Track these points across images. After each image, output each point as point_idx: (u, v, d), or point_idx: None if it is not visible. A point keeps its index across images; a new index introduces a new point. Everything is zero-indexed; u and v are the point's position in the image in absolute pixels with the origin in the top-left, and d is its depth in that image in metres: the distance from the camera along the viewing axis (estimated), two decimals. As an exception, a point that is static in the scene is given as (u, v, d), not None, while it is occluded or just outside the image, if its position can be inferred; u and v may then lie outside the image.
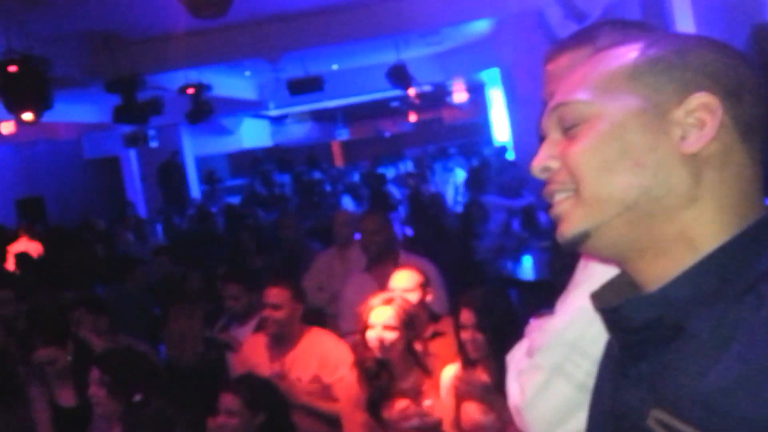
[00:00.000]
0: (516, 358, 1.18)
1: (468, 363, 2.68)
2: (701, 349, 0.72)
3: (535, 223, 6.64)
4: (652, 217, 0.78)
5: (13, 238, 8.15)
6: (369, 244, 4.08)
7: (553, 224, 0.85)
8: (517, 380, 1.12)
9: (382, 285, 3.46)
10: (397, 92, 12.01)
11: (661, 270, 0.79)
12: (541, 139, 0.87)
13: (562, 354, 1.05)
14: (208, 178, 14.57)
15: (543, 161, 0.84)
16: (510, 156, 11.15)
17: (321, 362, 3.23)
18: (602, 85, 0.81)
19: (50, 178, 11.88)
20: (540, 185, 0.86)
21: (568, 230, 0.81)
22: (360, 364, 2.93)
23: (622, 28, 1.16)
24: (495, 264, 6.11)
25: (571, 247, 0.83)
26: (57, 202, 11.65)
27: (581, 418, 0.94)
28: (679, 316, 0.75)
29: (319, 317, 4.14)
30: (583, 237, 0.80)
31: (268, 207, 11.42)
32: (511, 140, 11.72)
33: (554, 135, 0.85)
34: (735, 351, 0.69)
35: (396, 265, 3.72)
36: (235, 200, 12.91)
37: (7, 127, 9.61)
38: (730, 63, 0.78)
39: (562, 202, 0.82)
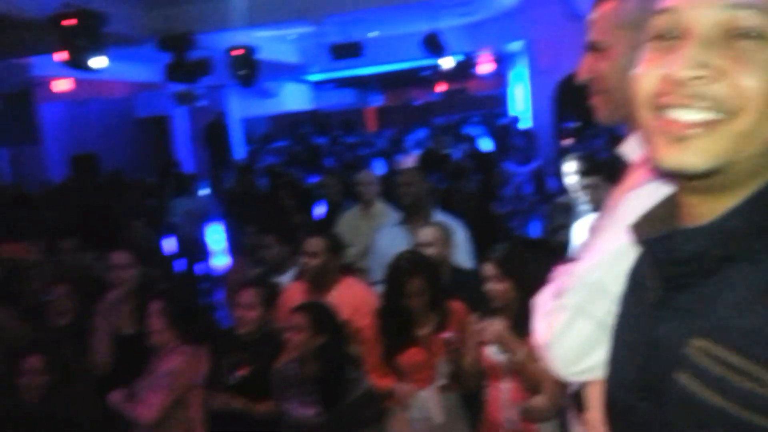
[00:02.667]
0: (542, 301, 1.19)
1: (489, 312, 2.73)
2: (748, 281, 0.69)
3: (543, 187, 6.71)
4: None
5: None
6: (403, 196, 4.02)
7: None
8: (545, 320, 1.14)
9: (413, 238, 3.54)
10: (427, 62, 11.78)
11: (720, 205, 0.73)
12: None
13: (585, 294, 1.06)
14: (263, 138, 14.29)
15: (696, 69, 0.68)
16: (523, 125, 11.12)
17: (353, 308, 3.23)
18: None
19: (103, 135, 11.64)
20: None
21: (699, 160, 0.70)
22: (380, 316, 3.03)
23: None
24: (510, 224, 6.24)
25: (680, 174, 0.73)
26: (109, 159, 11.43)
27: (600, 353, 0.97)
28: (728, 249, 0.71)
29: (348, 271, 4.06)
30: (712, 170, 0.71)
31: (306, 168, 11.24)
32: (530, 111, 11.65)
33: (714, 38, 0.69)
34: None
35: (427, 220, 3.76)
36: (276, 161, 12.67)
37: (64, 85, 9.36)
38: None
39: (697, 124, 0.69)
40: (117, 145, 11.84)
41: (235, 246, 5.87)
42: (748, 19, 0.68)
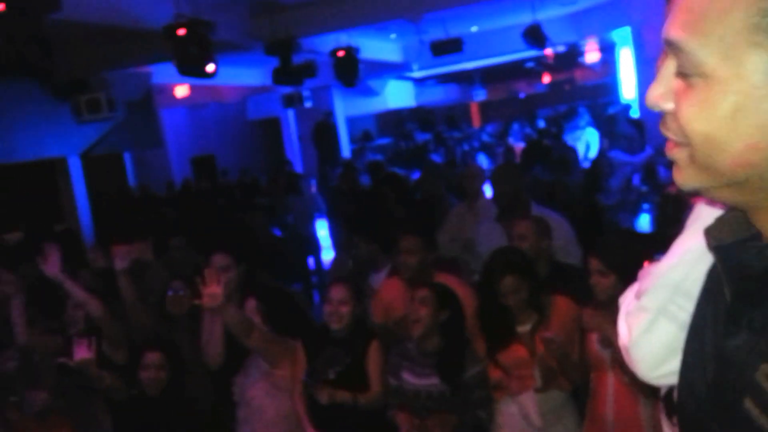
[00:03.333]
0: (626, 300, 1.13)
1: (594, 306, 2.64)
2: None
3: (655, 178, 6.38)
4: (765, 190, 0.67)
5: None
6: (497, 195, 3.96)
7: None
8: (625, 321, 1.09)
9: (510, 234, 3.49)
10: (531, 53, 11.40)
11: None
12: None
13: (666, 295, 1.00)
14: (363, 136, 14.45)
15: (656, 99, 0.70)
16: (634, 114, 10.56)
17: None
18: (725, 39, 0.62)
19: (219, 137, 12.15)
20: (662, 142, 0.73)
21: (681, 181, 0.72)
22: (480, 313, 3.01)
23: None
24: (617, 217, 5.98)
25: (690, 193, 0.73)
26: (225, 159, 11.92)
27: None
28: None
29: (453, 265, 4.10)
30: (697, 191, 0.72)
31: (410, 164, 11.23)
32: (638, 99, 11.12)
33: (669, 68, 0.69)
34: None
35: (525, 215, 3.68)
36: (379, 158, 12.76)
37: (182, 91, 9.82)
38: None
39: (675, 149, 0.71)
40: (232, 147, 12.33)
41: (337, 242, 5.95)
42: (685, 59, 0.65)
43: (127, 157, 9.56)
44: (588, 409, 2.77)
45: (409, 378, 2.99)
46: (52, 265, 3.41)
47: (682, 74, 0.67)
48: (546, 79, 19.85)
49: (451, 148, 12.55)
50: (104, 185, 8.27)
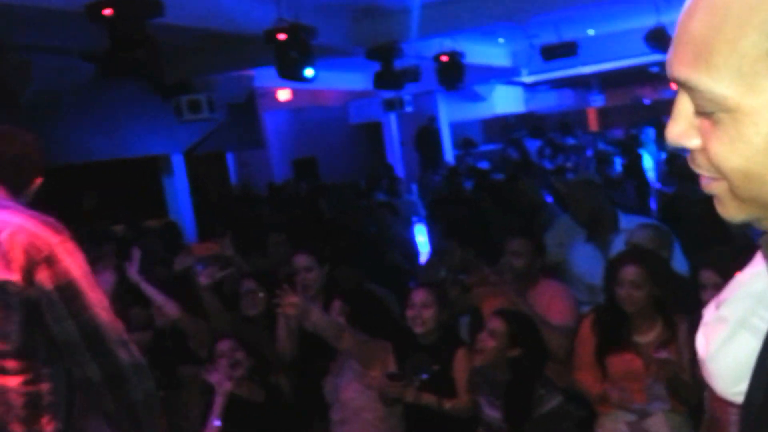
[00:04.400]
0: (708, 310, 1.09)
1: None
2: None
3: None
4: None
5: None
6: (576, 211, 3.94)
7: None
8: (703, 332, 1.05)
9: (602, 253, 3.57)
10: (656, 57, 10.87)
11: None
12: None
13: (747, 307, 0.97)
14: (464, 143, 14.41)
15: (678, 138, 0.67)
16: None
17: (548, 308, 3.30)
18: (742, 69, 0.59)
19: (321, 140, 12.52)
20: None
21: (727, 216, 0.69)
22: (597, 312, 2.96)
23: None
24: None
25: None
26: (327, 163, 12.25)
27: None
28: None
29: (557, 271, 4.09)
30: (747, 223, 0.68)
31: (516, 171, 11.07)
32: None
33: (686, 103, 0.66)
34: None
35: (614, 230, 3.71)
36: (485, 165, 12.67)
37: (284, 94, 10.20)
38: None
39: (711, 184, 0.67)
40: (333, 150, 12.66)
41: (433, 247, 6.02)
42: (700, 99, 0.63)
43: (230, 157, 10.05)
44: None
45: (483, 404, 2.97)
46: (132, 268, 3.66)
47: (702, 113, 0.64)
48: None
49: (563, 156, 12.26)
50: (206, 183, 8.75)
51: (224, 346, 3.33)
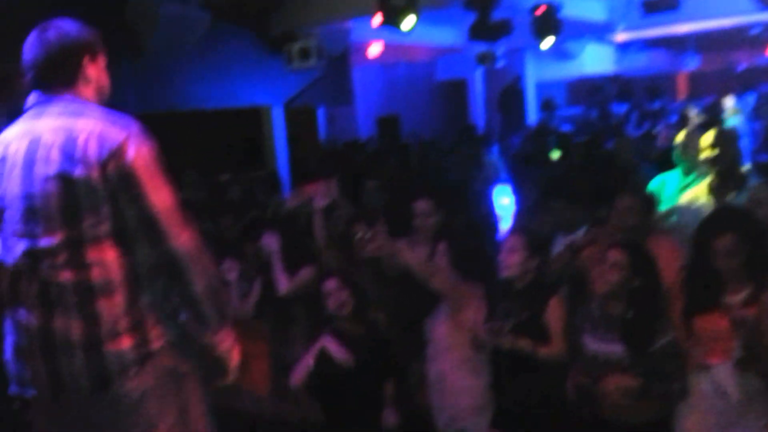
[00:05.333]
0: None
1: None
2: None
3: None
4: None
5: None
6: (719, 160, 4.10)
7: None
8: None
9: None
10: (761, 16, 10.42)
11: None
12: None
13: None
14: (546, 105, 14.32)
15: None
16: None
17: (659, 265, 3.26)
18: None
19: (406, 98, 12.67)
20: None
21: None
22: (687, 271, 2.97)
23: None
24: None
25: None
26: (410, 121, 12.41)
27: None
28: None
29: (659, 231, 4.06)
30: None
31: (603, 135, 10.98)
32: None
33: None
34: None
35: (739, 186, 3.83)
36: (568, 127, 12.60)
37: (375, 49, 10.38)
38: None
39: None
40: (417, 108, 12.80)
41: (517, 209, 6.08)
42: None
43: (320, 113, 10.35)
44: None
45: (589, 342, 3.02)
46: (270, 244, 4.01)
47: None
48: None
49: (649, 122, 12.07)
50: (299, 137, 9.08)
51: (330, 285, 3.55)
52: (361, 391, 3.43)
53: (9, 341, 1.93)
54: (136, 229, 1.89)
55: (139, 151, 1.89)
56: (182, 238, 1.91)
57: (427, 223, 3.84)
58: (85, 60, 2.01)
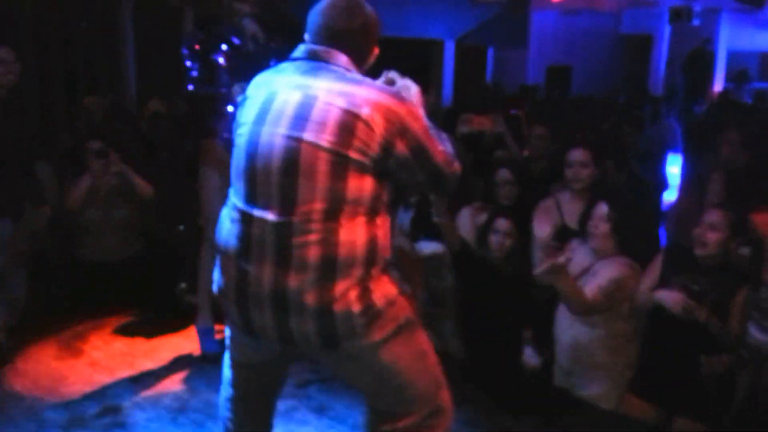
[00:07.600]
0: None
1: None
2: None
3: None
4: None
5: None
6: None
7: None
8: None
9: None
10: None
11: None
12: None
13: None
14: (739, 76, 13.45)
15: None
16: None
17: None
18: None
19: (582, 49, 12.35)
20: None
21: None
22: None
23: None
24: None
25: None
26: (583, 73, 12.15)
27: None
28: None
29: None
30: None
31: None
32: None
33: None
34: None
35: None
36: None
37: (559, -5, 10.21)
38: None
39: None
40: (593, 61, 12.46)
41: (688, 178, 5.84)
42: None
43: (490, 54, 10.43)
44: None
45: (754, 331, 2.88)
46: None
47: None
48: None
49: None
50: (465, 75, 9.26)
51: (501, 224, 3.61)
52: (503, 331, 3.52)
53: (230, 285, 1.97)
54: (415, 184, 2.00)
55: (418, 120, 1.90)
56: (449, 168, 2.01)
57: (581, 173, 3.77)
58: (376, 46, 2.07)
